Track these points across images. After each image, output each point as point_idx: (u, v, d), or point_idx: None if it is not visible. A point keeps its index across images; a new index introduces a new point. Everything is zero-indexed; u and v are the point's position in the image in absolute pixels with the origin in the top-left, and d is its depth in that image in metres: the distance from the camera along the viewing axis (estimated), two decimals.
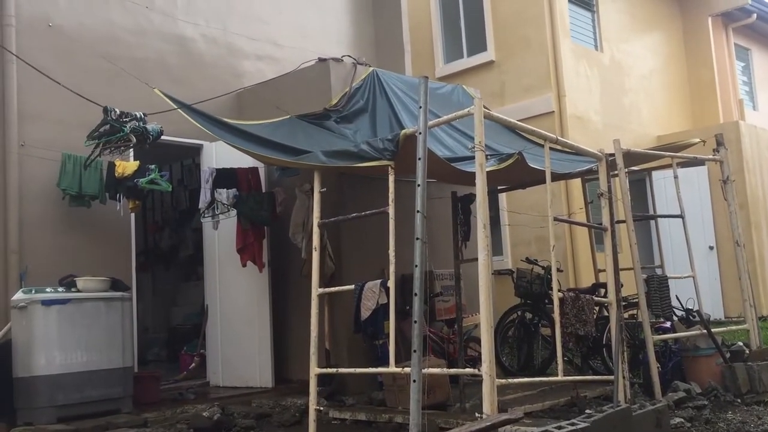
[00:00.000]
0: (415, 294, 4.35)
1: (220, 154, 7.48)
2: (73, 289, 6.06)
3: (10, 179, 6.50)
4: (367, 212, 5.38)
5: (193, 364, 7.89)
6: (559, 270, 6.07)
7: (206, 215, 7.27)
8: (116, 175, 6.64)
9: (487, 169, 4.70)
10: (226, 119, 6.40)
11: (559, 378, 5.32)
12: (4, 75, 6.61)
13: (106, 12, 7.42)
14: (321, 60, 7.40)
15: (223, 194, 6.99)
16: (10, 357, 5.82)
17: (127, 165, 6.66)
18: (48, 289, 5.96)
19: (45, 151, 6.56)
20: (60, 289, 6.06)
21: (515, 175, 6.35)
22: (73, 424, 5.56)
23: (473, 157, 4.78)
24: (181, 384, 7.47)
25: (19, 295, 5.89)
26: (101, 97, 6.43)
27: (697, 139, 7.48)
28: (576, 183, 9.01)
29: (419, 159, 4.55)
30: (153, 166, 6.70)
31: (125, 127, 6.02)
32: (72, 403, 5.78)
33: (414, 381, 4.12)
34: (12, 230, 6.45)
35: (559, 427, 3.98)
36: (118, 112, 6.10)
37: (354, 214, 5.56)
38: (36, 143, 6.61)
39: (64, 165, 6.55)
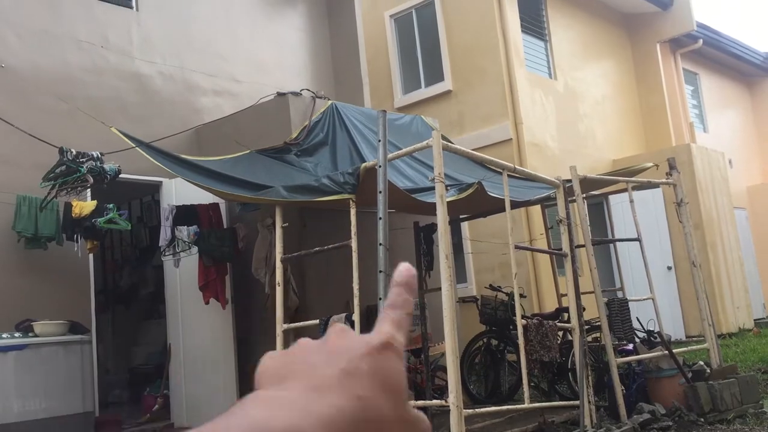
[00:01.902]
0: None
1: (179, 191, 7.42)
2: (30, 334, 5.92)
3: None
4: (330, 246, 5.38)
5: (157, 406, 7.71)
6: (522, 296, 6.12)
7: (167, 253, 7.18)
8: (73, 215, 6.53)
9: (448, 200, 4.75)
10: (184, 156, 6.37)
11: (526, 405, 5.34)
12: None
13: (60, 51, 7.35)
14: (280, 94, 7.43)
15: (184, 231, 6.93)
16: None
17: (84, 205, 6.57)
18: (4, 335, 5.80)
19: None
20: (17, 334, 5.91)
21: (476, 203, 6.43)
22: None
23: (434, 188, 4.83)
24: (144, 426, 7.30)
25: None
26: (57, 137, 6.35)
27: (651, 164, 7.67)
28: (536, 209, 9.13)
29: (380, 192, 4.58)
30: (111, 206, 6.61)
31: (82, 167, 5.95)
32: None
33: None
34: None
35: None
36: (74, 153, 6.02)
37: (317, 249, 5.56)
38: None
39: (19, 207, 6.43)
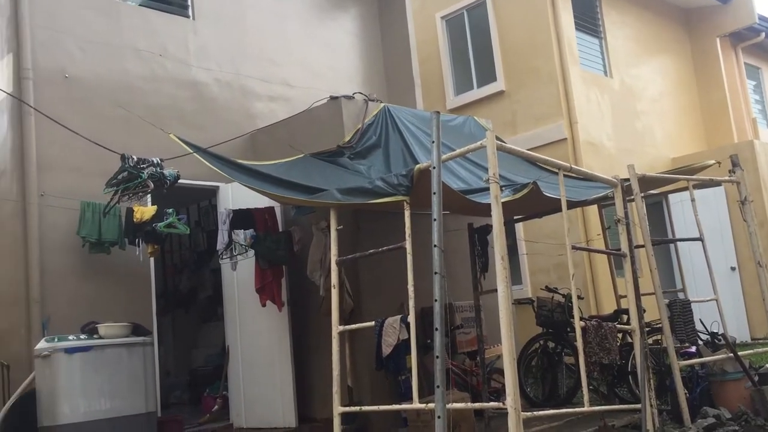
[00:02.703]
0: (436, 329, 4.33)
1: (236, 195, 7.55)
2: (95, 336, 6.10)
3: (30, 229, 6.59)
4: (384, 248, 5.39)
5: (216, 407, 7.86)
6: (579, 297, 6.02)
7: (224, 257, 7.31)
8: (135, 220, 6.71)
9: (503, 200, 4.71)
10: (240, 161, 6.48)
11: (586, 408, 5.24)
12: (23, 127, 6.74)
13: (120, 61, 7.57)
14: (332, 98, 7.49)
15: (240, 235, 7.04)
16: (35, 406, 5.84)
17: (145, 210, 6.74)
18: (70, 337, 5.99)
19: (64, 200, 6.65)
20: (82, 336, 6.09)
21: (531, 204, 6.35)
22: None
23: (488, 189, 4.80)
24: (205, 427, 7.44)
25: (42, 344, 5.92)
26: (118, 144, 6.53)
27: (712, 161, 7.45)
28: (593, 209, 8.98)
29: (434, 193, 4.57)
30: (170, 210, 6.77)
31: (143, 173, 6.10)
32: None
33: (438, 417, 4.08)
34: (33, 279, 6.51)
35: None
36: (135, 159, 6.19)
37: (371, 251, 5.57)
38: (55, 192, 6.70)
39: (84, 213, 6.63)
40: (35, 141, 6.74)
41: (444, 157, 4.89)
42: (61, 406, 5.73)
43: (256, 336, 7.45)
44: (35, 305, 6.48)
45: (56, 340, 5.91)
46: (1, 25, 7.16)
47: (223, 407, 7.78)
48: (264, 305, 7.17)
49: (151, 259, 7.24)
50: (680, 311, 6.52)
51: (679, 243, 7.75)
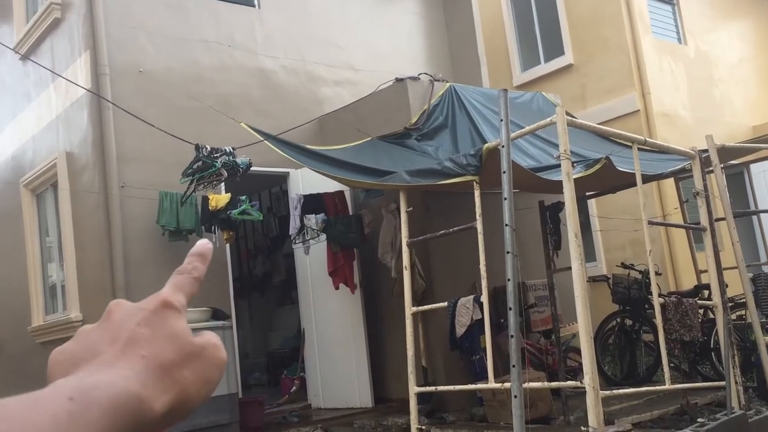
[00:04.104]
0: (510, 308, 4.30)
1: (306, 180, 7.65)
2: None
3: (113, 219, 6.86)
4: (455, 228, 5.38)
5: (294, 388, 8.05)
6: (657, 273, 5.86)
7: (297, 241, 7.44)
8: (210, 208, 6.89)
9: (575, 177, 4.62)
10: (309, 146, 6.57)
11: (667, 386, 5.12)
12: (102, 121, 7.01)
13: (190, 53, 7.76)
14: (398, 80, 7.48)
15: (312, 219, 7.14)
16: None
17: (219, 198, 6.91)
18: None
19: (143, 190, 6.89)
20: None
21: (604, 179, 6.20)
22: None
23: (559, 165, 4.72)
24: (284, 408, 7.63)
25: None
26: (192, 135, 6.71)
27: None
28: (668, 183, 8.70)
29: (504, 172, 4.52)
30: (244, 197, 6.93)
31: (216, 162, 6.26)
32: (183, 431, 5.99)
33: (515, 396, 4.07)
34: (118, 267, 6.79)
35: None
36: (209, 149, 6.35)
37: (442, 231, 5.57)
38: (134, 184, 6.95)
39: (162, 202, 6.85)
40: (114, 134, 6.99)
41: (513, 135, 4.83)
42: None
43: (330, 318, 7.58)
44: (120, 292, 6.75)
45: None
46: (78, 23, 7.44)
47: (301, 388, 7.96)
48: (337, 288, 7.28)
49: (227, 246, 7.44)
50: (765, 285, 6.28)
51: (762, 214, 7.44)
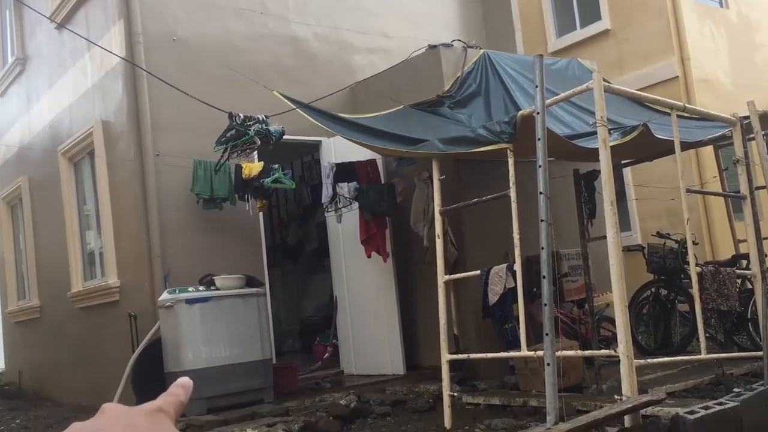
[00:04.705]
0: (543, 276, 4.28)
1: (338, 149, 7.65)
2: (212, 288, 6.41)
3: (149, 188, 6.95)
4: (488, 197, 5.35)
5: (327, 354, 8.15)
6: (694, 243, 5.77)
7: (329, 209, 7.47)
8: (243, 176, 6.93)
9: (611, 144, 4.55)
10: (342, 114, 6.55)
11: (703, 356, 5.08)
12: (137, 90, 7.06)
13: (222, 21, 7.75)
14: (431, 47, 7.40)
15: (344, 188, 7.15)
16: (161, 353, 6.25)
17: (252, 166, 6.95)
18: (190, 289, 6.33)
19: (177, 158, 6.95)
20: (200, 288, 6.42)
21: (640, 147, 6.09)
22: (221, 415, 5.89)
23: (594, 133, 4.64)
24: (317, 374, 7.74)
25: (165, 296, 6.30)
26: (225, 103, 6.73)
27: None
28: (707, 150, 8.52)
29: (539, 139, 4.46)
30: (276, 166, 6.95)
31: (250, 130, 6.28)
32: (218, 394, 6.12)
33: (548, 364, 4.06)
34: (154, 235, 6.89)
35: (706, 407, 3.81)
36: (242, 117, 6.37)
37: (475, 200, 5.54)
38: (169, 152, 7.01)
39: (196, 171, 6.91)
40: (148, 103, 7.05)
41: (548, 101, 4.75)
42: (185, 353, 6.10)
43: (362, 286, 7.63)
44: (156, 260, 6.87)
45: (177, 291, 6.27)
46: None
47: (334, 355, 8.06)
48: (369, 256, 7.31)
49: (260, 214, 7.50)
50: None
51: None
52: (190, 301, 6.18)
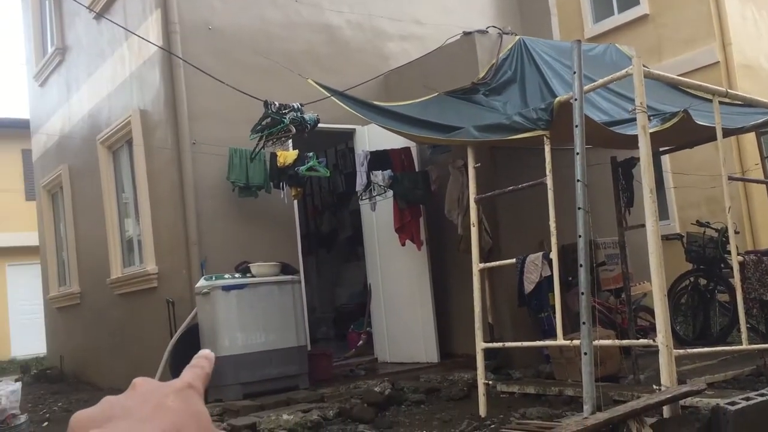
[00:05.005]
0: (581, 265, 4.24)
1: (372, 137, 7.65)
2: (248, 275, 6.48)
3: (185, 176, 7.03)
4: (524, 184, 5.30)
5: (361, 342, 8.19)
6: (735, 232, 5.65)
7: (364, 197, 7.48)
8: (278, 164, 6.98)
9: (651, 131, 4.47)
10: (376, 102, 6.54)
11: (744, 346, 4.98)
12: (174, 79, 7.14)
13: (257, 9, 7.78)
14: (466, 34, 7.34)
15: (379, 176, 7.15)
16: (198, 338, 6.34)
17: (287, 154, 6.99)
18: (226, 276, 6.40)
19: (213, 147, 7.01)
20: (236, 275, 6.49)
21: (680, 134, 5.98)
22: (257, 400, 5.96)
23: (633, 120, 4.57)
24: (351, 361, 7.79)
25: (201, 283, 6.38)
26: (259, 91, 6.77)
27: None
28: (749, 137, 8.33)
29: (576, 126, 4.40)
30: (311, 154, 6.98)
31: (285, 118, 6.31)
32: (254, 380, 6.20)
33: (585, 353, 4.03)
34: (191, 223, 6.98)
35: (747, 398, 3.74)
36: (277, 105, 6.40)
37: (511, 188, 5.50)
38: (205, 140, 7.08)
39: (232, 159, 6.97)
40: (185, 92, 7.12)
41: (586, 87, 4.69)
42: (222, 339, 6.18)
43: (396, 274, 7.64)
44: (193, 247, 6.96)
45: (214, 278, 6.34)
46: None
47: (368, 343, 8.10)
48: (403, 245, 7.31)
49: (295, 202, 7.54)
50: None
51: None
52: (227, 288, 6.25)
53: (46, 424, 7.04)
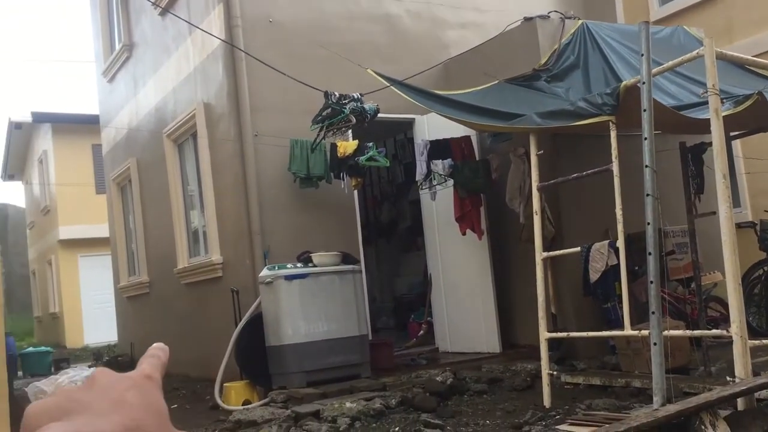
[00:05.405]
0: (649, 253, 4.13)
1: (431, 126, 7.62)
2: (309, 264, 6.54)
3: (248, 168, 7.14)
4: (589, 171, 5.19)
5: (422, 332, 8.19)
6: None
7: (424, 187, 7.46)
8: (338, 155, 7.02)
9: (723, 114, 4.31)
10: (436, 91, 6.50)
11: None
12: (236, 72, 7.25)
13: (317, 1, 7.83)
14: (527, 19, 7.22)
15: (439, 165, 7.12)
16: (262, 327, 6.45)
17: (347, 145, 7.02)
18: (289, 265, 6.48)
19: (275, 138, 7.10)
20: (298, 264, 6.57)
21: (753, 118, 5.75)
22: (320, 388, 6.03)
23: (704, 103, 4.42)
24: (412, 351, 7.80)
25: (264, 272, 6.48)
26: (319, 83, 6.81)
27: None
28: None
29: (644, 111, 4.28)
30: (371, 144, 6.99)
31: (345, 108, 6.33)
32: (317, 368, 6.27)
33: (654, 344, 3.93)
34: (254, 214, 7.09)
35: None
36: (337, 95, 6.43)
37: (575, 175, 5.39)
38: (267, 132, 7.18)
39: (293, 150, 7.04)
40: (247, 85, 7.22)
41: (654, 70, 4.55)
42: (285, 327, 6.27)
43: (457, 264, 7.60)
44: (257, 237, 7.07)
45: (276, 268, 6.43)
46: None
47: (428, 332, 8.09)
48: (464, 234, 7.26)
49: (355, 192, 7.58)
50: None
51: None
52: (289, 278, 6.33)
53: None
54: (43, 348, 13.85)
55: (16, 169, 23.17)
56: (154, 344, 0.60)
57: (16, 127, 20.01)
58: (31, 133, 20.61)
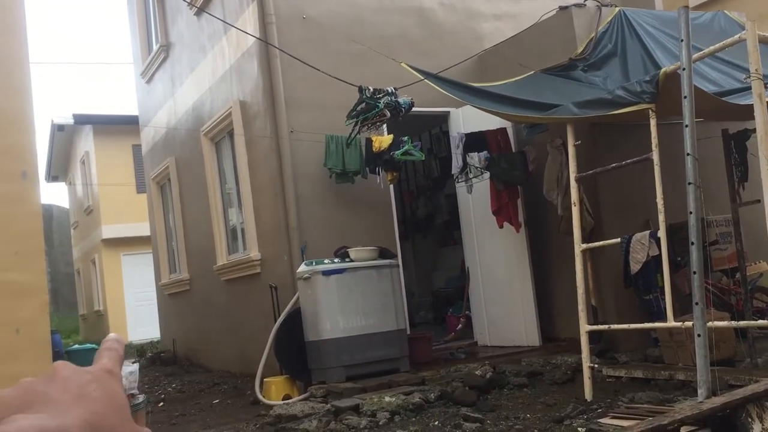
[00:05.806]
0: (692, 243, 4.04)
1: (466, 119, 7.57)
2: (346, 260, 6.56)
3: (285, 163, 7.19)
4: (629, 161, 5.10)
5: (460, 326, 8.15)
6: None
7: (460, 180, 7.41)
8: (374, 150, 7.01)
9: (767, 99, 4.19)
10: (470, 83, 6.46)
11: None
12: (271, 69, 7.29)
13: None
14: (562, 8, 7.12)
15: (475, 158, 7.07)
16: (300, 322, 6.49)
17: (382, 139, 7.01)
18: (326, 261, 6.51)
19: (310, 134, 7.13)
20: (336, 260, 6.59)
21: None
22: (359, 383, 6.05)
23: (746, 89, 4.31)
24: (451, 344, 7.77)
25: (302, 268, 6.52)
26: (353, 78, 6.81)
27: None
28: None
29: (685, 97, 4.19)
30: (406, 138, 6.98)
31: (379, 103, 6.32)
32: (356, 363, 6.28)
33: (698, 335, 3.84)
34: (291, 209, 7.14)
35: None
36: (371, 90, 6.42)
37: (614, 165, 5.30)
38: (302, 128, 7.21)
39: (328, 145, 7.06)
40: (282, 81, 7.26)
41: (695, 56, 4.45)
42: (323, 322, 6.30)
43: (494, 257, 7.55)
44: (294, 233, 7.11)
45: (314, 263, 6.46)
46: None
47: (467, 326, 8.05)
48: (501, 227, 7.21)
49: (391, 186, 7.57)
50: None
51: None
52: (327, 273, 6.36)
53: (161, 404, 7.42)
54: (88, 345, 14.13)
55: (60, 171, 23.70)
56: (110, 335, 0.60)
57: (58, 129, 20.46)
58: (73, 135, 21.06)
